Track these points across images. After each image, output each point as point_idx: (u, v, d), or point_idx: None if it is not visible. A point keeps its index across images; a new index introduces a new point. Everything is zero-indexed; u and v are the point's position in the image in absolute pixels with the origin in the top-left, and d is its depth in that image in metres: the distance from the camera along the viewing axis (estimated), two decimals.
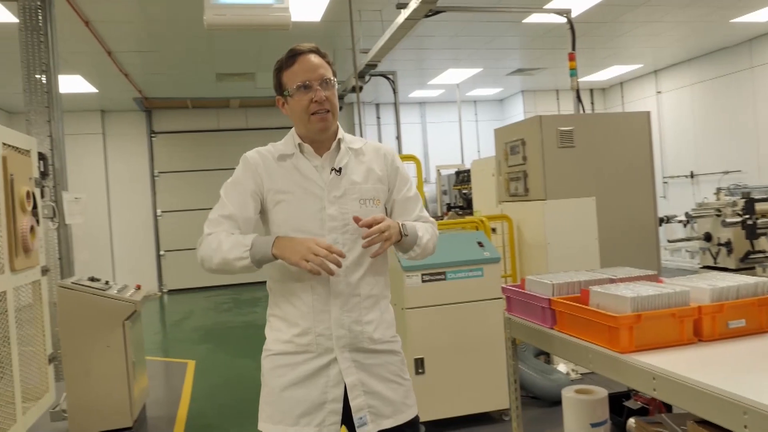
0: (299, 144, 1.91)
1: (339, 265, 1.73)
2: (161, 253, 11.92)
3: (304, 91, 1.85)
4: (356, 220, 1.79)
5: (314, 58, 1.88)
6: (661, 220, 8.57)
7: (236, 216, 1.86)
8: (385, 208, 1.99)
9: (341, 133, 1.95)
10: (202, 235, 1.86)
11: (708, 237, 7.66)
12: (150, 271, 11.84)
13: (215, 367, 6.06)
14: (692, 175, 10.82)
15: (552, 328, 2.24)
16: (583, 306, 2.05)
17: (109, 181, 11.70)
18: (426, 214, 2.06)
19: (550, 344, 2.27)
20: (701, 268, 7.86)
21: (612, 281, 2.27)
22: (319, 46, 1.93)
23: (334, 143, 1.93)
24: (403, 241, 1.87)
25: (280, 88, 1.92)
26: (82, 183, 10.89)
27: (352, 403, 1.82)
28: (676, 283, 2.11)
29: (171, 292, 11.79)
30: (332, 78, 1.90)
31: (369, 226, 1.77)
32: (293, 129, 1.96)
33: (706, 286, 1.97)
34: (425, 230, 1.97)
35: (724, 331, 1.92)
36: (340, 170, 1.89)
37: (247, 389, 5.13)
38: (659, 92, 11.57)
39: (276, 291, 1.93)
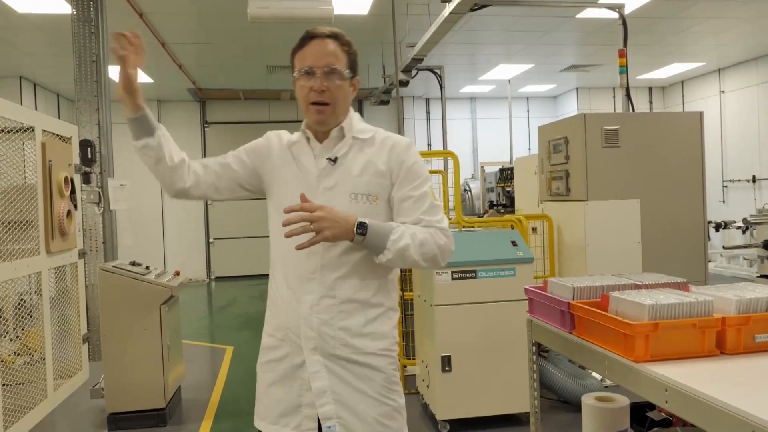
0: (303, 130, 1.84)
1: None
2: (210, 240, 12.23)
3: (306, 77, 1.73)
4: (302, 199, 1.63)
5: (328, 44, 1.74)
6: (718, 226, 8.23)
7: (233, 166, 1.86)
8: (389, 206, 1.81)
9: (348, 122, 1.81)
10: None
11: (767, 245, 7.32)
12: (199, 258, 12.18)
13: (252, 354, 6.12)
14: (754, 180, 10.32)
15: (571, 333, 2.18)
16: (601, 311, 1.98)
17: None
18: (435, 218, 1.76)
19: (569, 349, 2.21)
20: (759, 276, 7.52)
21: (637, 287, 2.18)
22: (344, 34, 1.79)
23: (335, 130, 1.79)
24: (357, 241, 1.65)
25: (292, 68, 1.81)
26: (137, 171, 11.27)
27: (319, 410, 1.70)
28: (703, 292, 2.01)
29: (218, 279, 12.10)
30: (342, 69, 1.74)
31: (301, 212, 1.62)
32: None
33: (732, 297, 1.87)
34: (414, 236, 1.69)
35: (750, 344, 1.81)
36: (335, 160, 1.76)
37: None
38: (723, 92, 11.07)
39: (271, 275, 1.87)
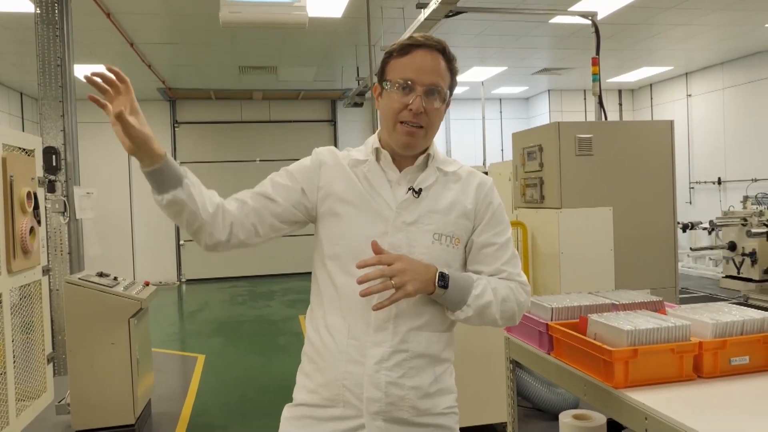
0: (376, 149, 1.56)
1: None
2: (181, 243, 12.03)
3: (402, 92, 1.48)
4: (375, 249, 1.40)
5: (435, 59, 1.50)
6: (685, 227, 8.40)
7: (278, 201, 1.53)
8: (465, 250, 1.59)
9: (433, 148, 1.57)
10: None
11: (732, 246, 7.50)
12: (170, 260, 11.97)
13: (224, 363, 6.07)
14: (720, 182, 10.54)
15: (549, 354, 2.17)
16: (580, 335, 1.97)
17: (132, 170, 11.83)
18: (516, 270, 1.57)
19: (547, 370, 2.20)
20: (724, 277, 7.70)
21: (614, 307, 2.18)
22: (448, 46, 1.53)
23: (421, 158, 1.55)
24: (437, 294, 1.44)
25: (382, 74, 1.54)
26: (105, 171, 11.04)
27: None
28: (679, 314, 2.02)
29: (189, 281, 11.91)
30: (445, 90, 1.51)
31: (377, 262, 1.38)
32: (377, 131, 1.61)
33: (709, 321, 1.88)
34: (496, 291, 1.50)
35: (726, 368, 1.83)
36: (419, 192, 1.51)
37: (252, 388, 5.13)
38: (690, 95, 11.28)
39: (313, 322, 1.57)
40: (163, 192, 1.42)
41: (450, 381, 1.59)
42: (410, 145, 1.51)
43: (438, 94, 1.50)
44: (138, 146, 1.36)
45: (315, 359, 1.53)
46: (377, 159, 1.56)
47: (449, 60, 1.53)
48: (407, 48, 1.50)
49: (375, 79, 1.61)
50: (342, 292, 1.50)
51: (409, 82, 1.47)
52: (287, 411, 1.59)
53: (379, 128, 1.62)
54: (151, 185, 1.43)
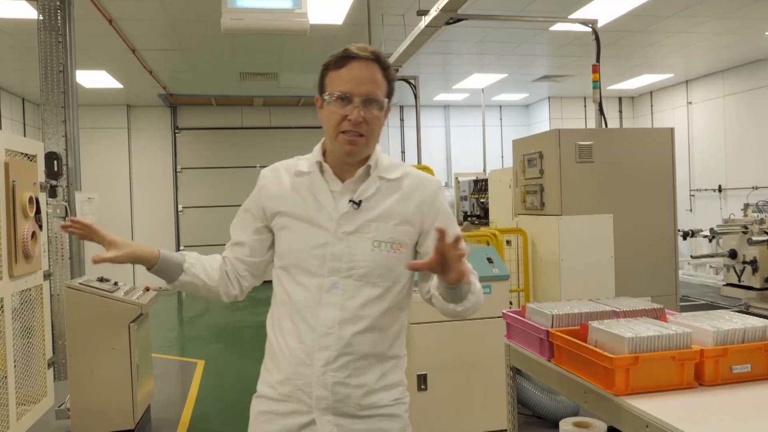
0: (319, 162, 1.62)
1: None
2: (181, 248, 12.02)
3: (341, 103, 1.54)
4: (439, 230, 1.38)
5: (370, 69, 1.55)
6: (686, 235, 8.39)
7: (245, 242, 1.70)
8: (416, 253, 1.66)
9: (375, 157, 1.62)
10: None
11: (733, 254, 7.49)
12: None
13: (223, 369, 6.06)
14: (720, 189, 10.55)
15: (549, 361, 2.17)
16: (581, 342, 1.97)
17: (132, 176, 11.84)
18: (468, 265, 1.59)
19: (548, 377, 2.20)
20: (725, 285, 7.69)
21: (615, 314, 2.18)
22: (384, 55, 1.61)
23: (362, 169, 1.60)
24: (465, 283, 1.51)
25: (321, 87, 1.61)
26: (106, 177, 11.06)
27: None
28: (680, 322, 2.02)
29: None
30: (382, 98, 1.57)
31: (454, 242, 1.40)
32: (322, 141, 1.68)
33: (710, 328, 1.87)
34: (476, 279, 1.64)
35: (728, 376, 1.82)
36: (359, 203, 1.58)
37: (251, 394, 5.11)
38: (690, 102, 11.31)
39: (270, 325, 1.71)
40: (171, 281, 1.65)
41: (398, 375, 1.68)
42: (352, 153, 1.57)
43: (376, 103, 1.56)
44: (132, 262, 1.60)
45: (273, 358, 1.66)
46: (321, 171, 1.63)
47: (385, 68, 1.59)
48: (343, 60, 1.56)
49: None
50: (292, 300, 1.61)
51: (347, 94, 1.53)
52: (254, 403, 1.73)
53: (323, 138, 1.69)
54: (160, 277, 1.64)
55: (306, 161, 1.66)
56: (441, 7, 5.00)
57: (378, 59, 1.57)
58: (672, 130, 5.02)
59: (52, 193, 4.26)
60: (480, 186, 7.78)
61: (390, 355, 1.64)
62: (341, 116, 1.54)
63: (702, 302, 8.66)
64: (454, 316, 1.66)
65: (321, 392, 1.55)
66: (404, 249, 1.62)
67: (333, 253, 1.56)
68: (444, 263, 1.43)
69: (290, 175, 1.66)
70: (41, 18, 4.64)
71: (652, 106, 12.42)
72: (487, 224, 6.83)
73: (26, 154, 2.98)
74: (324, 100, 1.59)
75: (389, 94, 1.62)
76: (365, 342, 1.57)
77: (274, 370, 1.65)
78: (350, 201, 1.58)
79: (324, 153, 1.66)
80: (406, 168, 1.70)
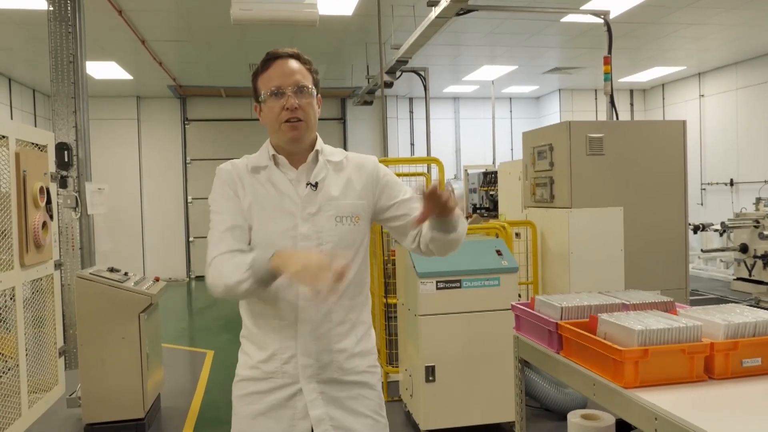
0: (273, 156, 1.78)
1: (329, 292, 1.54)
2: (190, 239, 12.09)
3: (276, 98, 1.72)
4: (422, 193, 1.60)
5: (292, 64, 1.75)
6: (696, 228, 8.34)
7: (239, 225, 1.73)
8: (369, 224, 1.86)
9: (319, 144, 1.82)
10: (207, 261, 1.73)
11: (744, 248, 7.43)
12: (179, 256, 12.04)
13: (232, 359, 6.05)
14: (732, 183, 10.46)
15: (558, 353, 2.16)
16: (590, 335, 1.96)
17: (142, 167, 11.90)
18: None
19: (556, 369, 2.19)
20: (735, 279, 7.65)
21: (625, 307, 2.17)
22: (301, 52, 1.81)
23: (311, 155, 1.78)
24: (456, 213, 1.71)
25: (255, 93, 1.80)
26: (116, 168, 11.12)
27: None
28: (691, 315, 2.00)
29: (199, 278, 11.97)
30: (309, 86, 1.76)
31: (432, 191, 1.59)
32: (268, 139, 1.84)
33: (721, 321, 1.86)
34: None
35: (738, 369, 1.81)
36: (316, 185, 1.75)
37: None
38: (702, 95, 11.20)
39: (245, 310, 1.82)
40: (264, 285, 1.65)
41: (370, 343, 1.85)
42: (296, 139, 1.74)
43: (305, 91, 1.74)
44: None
45: (253, 341, 1.78)
46: (276, 164, 1.78)
47: (305, 62, 1.79)
48: (268, 62, 1.76)
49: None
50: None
51: (279, 88, 1.72)
52: (235, 389, 1.83)
53: (269, 138, 1.83)
54: (260, 283, 1.61)
55: (258, 157, 1.82)
56: None
57: (299, 56, 1.78)
58: (684, 122, 4.98)
59: (63, 183, 4.29)
60: (489, 178, 7.76)
61: (362, 320, 1.82)
62: (279, 108, 1.71)
63: (712, 296, 8.61)
64: (450, 245, 1.83)
65: (306, 361, 1.70)
66: (362, 221, 1.80)
67: (302, 233, 1.71)
68: (436, 205, 1.62)
69: (247, 172, 1.79)
70: (51, 9, 4.65)
71: (663, 98, 12.31)
72: (496, 217, 6.82)
73: (37, 145, 3.00)
74: (260, 101, 1.77)
75: (316, 85, 1.80)
76: (341, 309, 1.74)
77: (256, 351, 1.76)
78: (308, 184, 1.75)
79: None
80: (344, 152, 1.88)
